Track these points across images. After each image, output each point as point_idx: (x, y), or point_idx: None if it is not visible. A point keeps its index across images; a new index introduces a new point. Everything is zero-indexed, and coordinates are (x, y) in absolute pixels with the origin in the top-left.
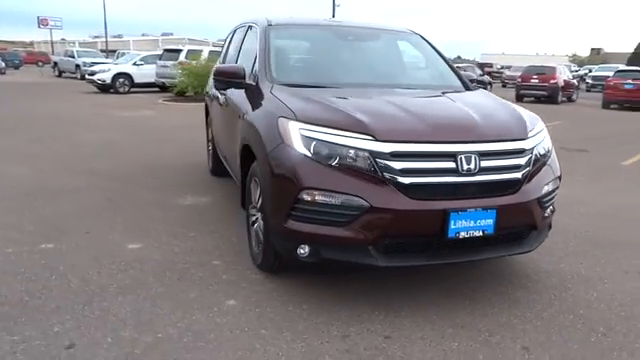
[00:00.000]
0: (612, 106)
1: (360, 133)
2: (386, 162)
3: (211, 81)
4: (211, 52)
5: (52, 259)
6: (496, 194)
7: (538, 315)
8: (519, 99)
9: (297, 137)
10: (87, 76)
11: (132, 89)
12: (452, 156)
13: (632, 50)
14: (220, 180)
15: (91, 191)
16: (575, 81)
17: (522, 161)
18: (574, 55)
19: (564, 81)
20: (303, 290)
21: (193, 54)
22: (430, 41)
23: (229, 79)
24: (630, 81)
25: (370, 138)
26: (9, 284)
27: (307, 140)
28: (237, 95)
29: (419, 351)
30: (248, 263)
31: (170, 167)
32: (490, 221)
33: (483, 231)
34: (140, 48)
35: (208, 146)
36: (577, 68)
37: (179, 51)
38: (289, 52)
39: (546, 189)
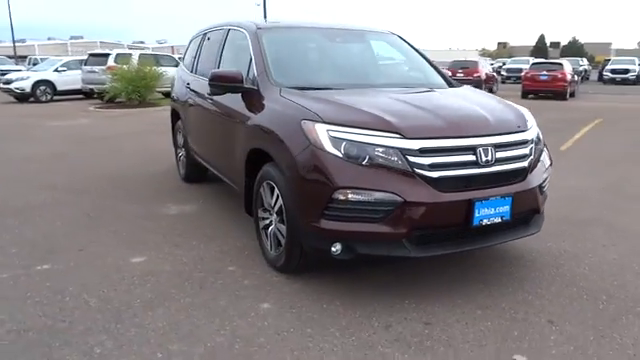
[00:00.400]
0: (530, 96)
1: (389, 132)
2: (416, 158)
3: (179, 87)
4: (142, 56)
5: (55, 280)
6: (510, 182)
7: (547, 291)
8: None
9: (326, 139)
10: (1, 85)
11: (55, 97)
12: (472, 149)
13: (534, 43)
14: (196, 187)
15: (62, 207)
16: (495, 74)
17: (527, 151)
18: (483, 49)
19: (486, 74)
20: (329, 288)
21: (122, 58)
22: (409, 42)
23: (227, 84)
24: (545, 72)
25: (399, 136)
26: (22, 310)
27: (336, 141)
28: (233, 100)
29: (460, 333)
30: (263, 267)
31: (135, 177)
32: (507, 208)
33: (501, 217)
34: (47, 53)
35: (177, 153)
36: (492, 62)
37: (106, 55)
38: (284, 55)
39: (544, 176)
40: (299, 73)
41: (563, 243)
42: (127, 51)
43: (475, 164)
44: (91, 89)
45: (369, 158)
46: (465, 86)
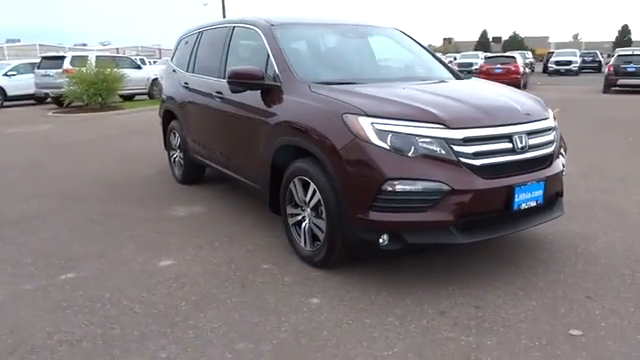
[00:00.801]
0: None
1: (433, 123)
2: (460, 147)
3: (173, 87)
4: (99, 57)
5: (87, 289)
6: (540, 168)
7: (575, 269)
8: None
9: (371, 131)
10: None
11: (5, 103)
12: (509, 137)
13: (477, 39)
14: (195, 188)
15: (62, 214)
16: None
17: (552, 137)
18: (430, 45)
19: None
20: (369, 279)
21: (79, 60)
22: (411, 36)
23: (248, 81)
24: (499, 65)
25: (443, 127)
26: (64, 320)
27: (382, 134)
28: (251, 97)
29: (512, 313)
30: (298, 263)
31: (127, 182)
32: (540, 192)
33: (536, 201)
34: None
35: (171, 155)
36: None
37: (62, 58)
38: (302, 51)
39: (564, 161)
40: (320, 68)
41: (571, 225)
42: (83, 53)
43: (512, 151)
44: (46, 94)
45: (415, 149)
46: (474, 78)
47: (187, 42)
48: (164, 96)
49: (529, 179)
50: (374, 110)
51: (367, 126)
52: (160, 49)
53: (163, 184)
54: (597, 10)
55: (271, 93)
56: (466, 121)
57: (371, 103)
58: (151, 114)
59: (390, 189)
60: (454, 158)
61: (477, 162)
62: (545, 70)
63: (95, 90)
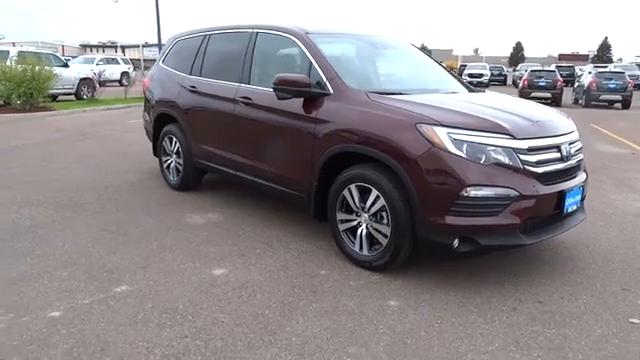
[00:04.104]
0: None
1: (502, 134)
2: (525, 156)
3: (172, 90)
4: (21, 53)
5: (155, 300)
6: (577, 174)
7: (597, 264)
8: None
9: (448, 141)
10: None
11: None
12: (557, 147)
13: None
14: (195, 195)
15: (68, 224)
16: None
17: (581, 146)
18: None
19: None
20: (430, 281)
21: None
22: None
23: (297, 88)
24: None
25: (510, 137)
26: (155, 334)
27: (458, 143)
28: (291, 104)
29: (573, 306)
30: (352, 268)
31: (114, 189)
32: (579, 196)
33: (576, 205)
34: None
35: (165, 161)
36: None
37: None
38: (343, 61)
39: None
40: (364, 78)
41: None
42: (4, 48)
43: (560, 160)
44: None
45: (487, 157)
46: (487, 91)
47: (187, 45)
48: (156, 99)
49: (574, 184)
50: (448, 121)
51: (443, 136)
52: (63, 45)
53: (154, 191)
54: (495, 27)
55: (317, 101)
56: (527, 132)
57: (441, 114)
58: (88, 116)
59: (467, 194)
60: (520, 166)
61: (539, 169)
62: None
63: (26, 89)
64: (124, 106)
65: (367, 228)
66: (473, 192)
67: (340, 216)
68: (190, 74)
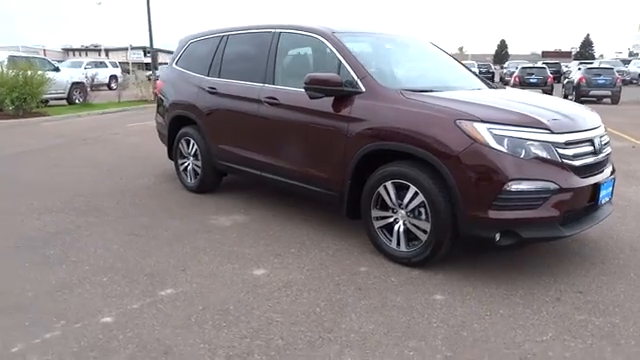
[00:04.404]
0: None
1: (540, 129)
2: (563, 150)
3: (189, 91)
4: (12, 58)
5: (202, 302)
6: (607, 167)
7: (626, 255)
8: None
9: (489, 136)
10: None
11: None
12: (591, 140)
13: None
14: (215, 197)
15: (94, 229)
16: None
17: (608, 139)
18: None
19: None
20: (469, 275)
21: None
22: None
23: (329, 87)
24: None
25: (548, 132)
26: (213, 335)
27: (499, 138)
28: (320, 103)
29: (613, 296)
30: (389, 264)
31: (132, 193)
32: (611, 188)
33: (608, 197)
34: None
35: (182, 163)
36: None
37: None
38: (372, 59)
39: None
40: (393, 76)
41: None
42: None
43: (593, 153)
44: None
45: (526, 152)
46: (505, 87)
47: (203, 46)
48: (171, 101)
49: (606, 177)
50: (488, 117)
51: (484, 131)
52: (45, 49)
53: (171, 193)
54: (478, 25)
55: (349, 99)
56: (563, 127)
57: (480, 110)
58: (84, 121)
59: (509, 189)
60: (559, 160)
61: (576, 163)
62: None
63: (19, 95)
64: (120, 110)
65: (404, 224)
66: (515, 186)
67: (375, 213)
68: (208, 75)
